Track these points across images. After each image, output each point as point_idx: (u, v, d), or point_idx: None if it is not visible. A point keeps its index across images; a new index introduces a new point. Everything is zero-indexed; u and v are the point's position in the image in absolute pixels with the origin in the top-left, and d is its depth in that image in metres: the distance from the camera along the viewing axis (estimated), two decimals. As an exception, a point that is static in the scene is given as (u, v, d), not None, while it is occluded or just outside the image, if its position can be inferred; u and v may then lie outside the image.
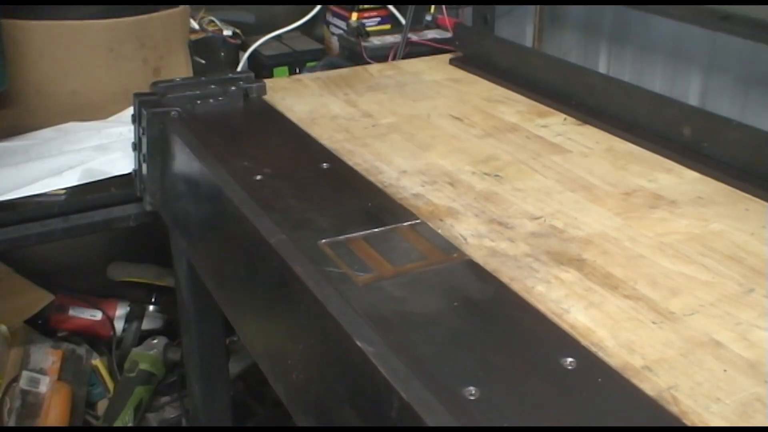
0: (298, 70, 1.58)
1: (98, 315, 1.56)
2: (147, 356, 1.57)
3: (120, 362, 1.58)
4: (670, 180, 0.93)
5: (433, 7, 1.62)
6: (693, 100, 1.21)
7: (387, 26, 1.63)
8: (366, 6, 1.61)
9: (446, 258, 0.77)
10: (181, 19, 1.38)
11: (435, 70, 1.34)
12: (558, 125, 1.10)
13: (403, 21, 1.58)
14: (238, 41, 1.61)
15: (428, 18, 1.61)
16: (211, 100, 1.13)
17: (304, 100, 1.19)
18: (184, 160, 1.04)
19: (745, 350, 0.64)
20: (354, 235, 0.79)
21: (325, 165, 0.96)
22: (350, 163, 0.97)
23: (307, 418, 0.75)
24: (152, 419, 1.56)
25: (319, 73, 1.36)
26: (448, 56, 1.40)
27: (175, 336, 1.57)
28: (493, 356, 0.62)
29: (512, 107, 1.16)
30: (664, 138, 1.01)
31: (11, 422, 1.41)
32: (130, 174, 1.22)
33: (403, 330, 0.66)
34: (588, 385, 0.59)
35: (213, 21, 1.61)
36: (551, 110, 1.14)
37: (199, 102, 1.12)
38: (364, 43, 1.52)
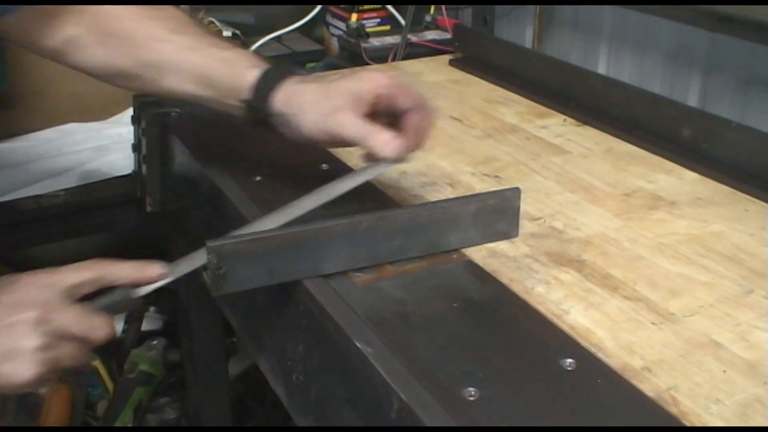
0: (297, 71, 1.58)
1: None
2: (146, 357, 1.57)
3: (119, 363, 1.58)
4: (670, 181, 0.93)
5: (432, 7, 1.62)
6: (692, 101, 1.21)
7: (387, 27, 1.63)
8: (366, 7, 1.61)
9: (446, 259, 0.77)
10: (180, 20, 1.37)
11: (434, 71, 1.34)
12: (557, 126, 1.10)
13: (402, 22, 1.58)
14: (238, 42, 1.61)
15: (428, 19, 1.61)
16: (210, 101, 1.13)
17: (303, 101, 1.19)
18: (184, 162, 1.04)
19: (744, 351, 0.64)
20: (354, 236, 0.79)
21: (324, 166, 0.96)
22: (350, 164, 0.97)
23: (307, 419, 0.75)
24: (152, 420, 1.56)
25: (318, 75, 1.36)
26: (447, 57, 1.40)
27: (175, 337, 1.57)
28: (493, 357, 0.62)
29: (512, 108, 1.17)
30: (663, 139, 1.01)
31: (10, 423, 1.40)
32: (129, 175, 1.22)
33: (402, 331, 0.66)
34: (587, 385, 0.59)
35: (213, 22, 1.61)
36: (551, 111, 1.15)
37: (198, 103, 1.12)
38: (363, 44, 1.52)
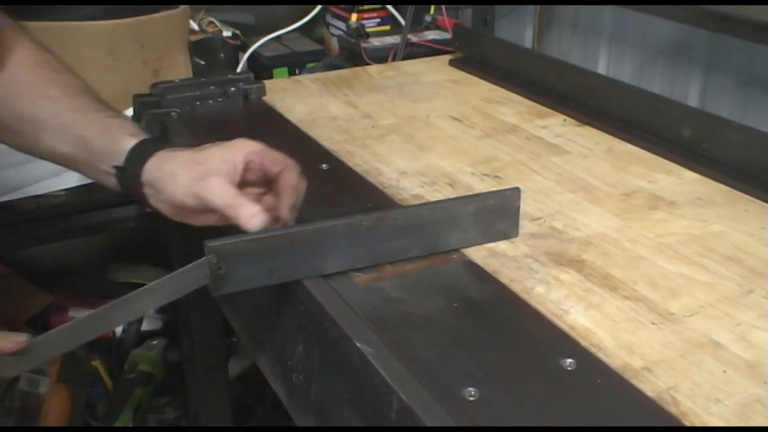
0: (297, 71, 1.58)
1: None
2: (146, 357, 1.57)
3: (119, 363, 1.58)
4: (670, 181, 0.93)
5: (432, 7, 1.62)
6: (693, 101, 1.21)
7: (387, 27, 1.63)
8: (366, 7, 1.62)
9: (446, 259, 0.77)
10: (180, 20, 1.38)
11: (434, 71, 1.34)
12: (557, 126, 1.10)
13: (402, 22, 1.58)
14: (238, 42, 1.61)
15: (428, 19, 1.61)
16: (210, 102, 1.13)
17: (303, 101, 1.19)
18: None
19: (744, 351, 0.64)
20: (353, 236, 0.79)
21: (324, 166, 0.96)
22: (350, 164, 0.97)
23: (307, 419, 0.75)
24: (152, 420, 1.56)
25: (318, 74, 1.36)
26: (447, 57, 1.40)
27: (175, 337, 1.57)
28: (493, 357, 0.62)
29: (512, 108, 1.17)
30: (663, 139, 1.01)
31: (11, 423, 1.40)
32: (129, 175, 1.22)
33: (402, 331, 0.66)
34: (587, 385, 0.59)
35: (213, 22, 1.61)
36: (551, 111, 1.15)
37: (198, 103, 1.12)
38: (363, 44, 1.52)
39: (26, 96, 0.86)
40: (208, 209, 0.76)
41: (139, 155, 0.81)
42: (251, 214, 0.73)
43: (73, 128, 0.84)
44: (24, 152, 0.90)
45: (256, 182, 0.79)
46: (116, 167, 0.82)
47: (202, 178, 0.75)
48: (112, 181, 0.83)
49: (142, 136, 0.83)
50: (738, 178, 0.91)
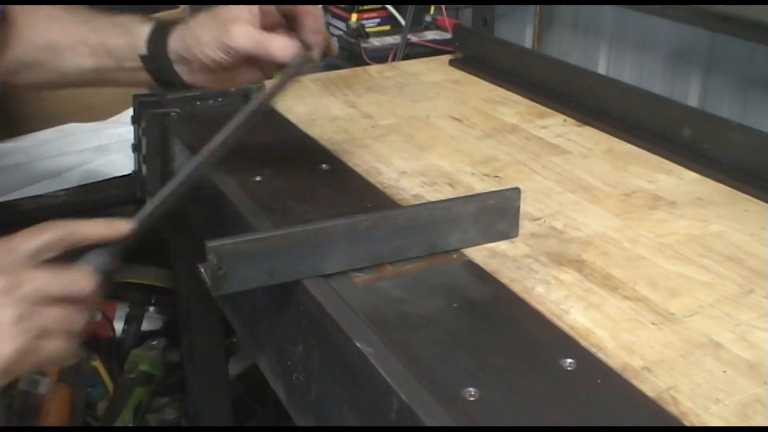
0: (297, 71, 1.58)
1: (98, 316, 1.56)
2: (146, 357, 1.57)
3: (119, 363, 1.58)
4: (670, 181, 0.93)
5: (432, 7, 1.62)
6: (692, 101, 1.21)
7: (387, 27, 1.63)
8: (366, 7, 1.62)
9: (446, 259, 0.77)
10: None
11: (434, 71, 1.34)
12: (557, 126, 1.10)
13: (402, 22, 1.58)
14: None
15: (428, 19, 1.61)
16: (210, 101, 1.13)
17: (303, 101, 1.19)
18: (183, 161, 1.04)
19: (744, 351, 0.64)
20: (354, 236, 0.79)
21: (324, 166, 0.96)
22: (350, 164, 0.97)
23: (307, 419, 0.75)
24: (152, 420, 1.56)
25: (318, 74, 1.36)
26: (447, 57, 1.40)
27: (175, 337, 1.57)
28: (493, 357, 0.62)
29: (512, 108, 1.17)
30: (663, 139, 1.01)
31: (11, 423, 1.40)
32: (129, 175, 1.22)
33: (402, 331, 0.66)
34: (588, 385, 0.59)
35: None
36: (551, 111, 1.15)
37: (198, 103, 1.12)
38: (363, 44, 1.52)
39: (34, 24, 0.87)
40: (242, 62, 0.79)
41: (159, 36, 0.83)
42: (282, 45, 0.76)
43: (89, 38, 0.86)
44: (53, 85, 0.91)
45: (276, 26, 0.80)
46: (142, 56, 0.84)
47: (226, 29, 0.78)
48: (143, 76, 0.85)
49: (153, 22, 0.85)
50: (738, 178, 0.91)
